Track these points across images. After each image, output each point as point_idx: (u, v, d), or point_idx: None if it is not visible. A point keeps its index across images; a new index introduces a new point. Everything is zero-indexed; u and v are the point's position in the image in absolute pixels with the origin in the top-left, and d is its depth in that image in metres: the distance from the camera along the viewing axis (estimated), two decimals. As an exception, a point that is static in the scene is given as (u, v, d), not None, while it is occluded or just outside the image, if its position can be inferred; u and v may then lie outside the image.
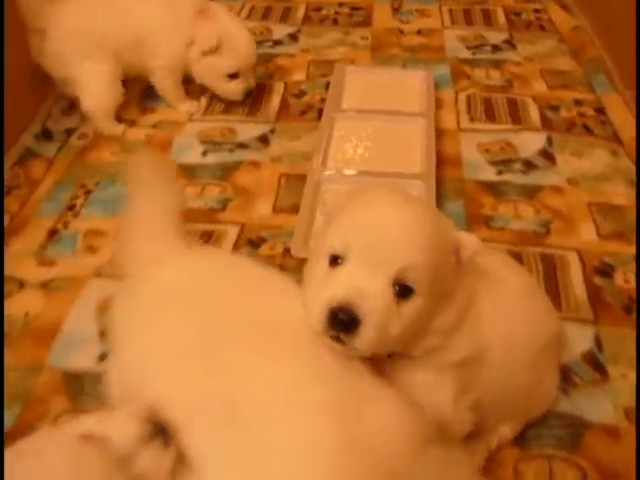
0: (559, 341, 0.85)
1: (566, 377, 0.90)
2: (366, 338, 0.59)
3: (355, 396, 0.59)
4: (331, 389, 0.59)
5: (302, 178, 1.22)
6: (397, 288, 0.61)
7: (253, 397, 0.58)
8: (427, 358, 0.67)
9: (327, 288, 0.61)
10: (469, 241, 0.65)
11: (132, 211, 0.79)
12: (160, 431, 0.57)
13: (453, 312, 0.66)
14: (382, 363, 0.67)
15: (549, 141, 1.36)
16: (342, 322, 0.59)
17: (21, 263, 1.10)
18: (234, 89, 1.41)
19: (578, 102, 1.48)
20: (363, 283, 0.60)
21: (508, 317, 0.73)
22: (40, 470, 0.52)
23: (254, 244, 1.13)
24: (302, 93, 1.54)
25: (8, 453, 0.53)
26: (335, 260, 0.62)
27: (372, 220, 0.62)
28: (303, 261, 1.05)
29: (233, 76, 1.38)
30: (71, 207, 1.22)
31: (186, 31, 1.34)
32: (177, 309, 0.67)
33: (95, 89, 1.35)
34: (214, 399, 0.59)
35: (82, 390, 0.90)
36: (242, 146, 1.37)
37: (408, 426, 0.59)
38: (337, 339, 0.60)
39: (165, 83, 1.44)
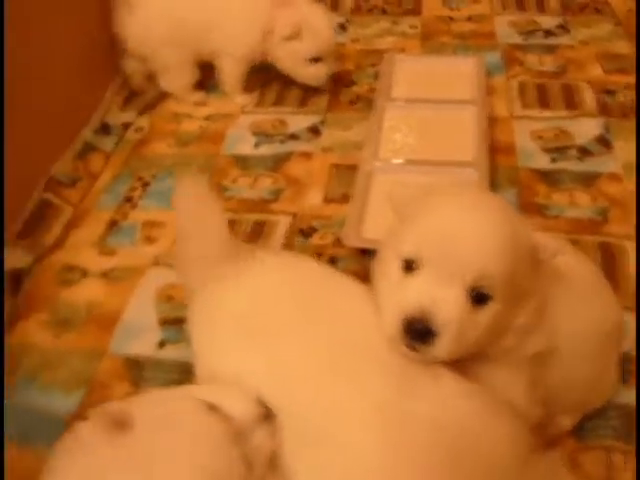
0: (620, 331, 0.83)
1: (624, 366, 0.89)
2: (442, 348, 0.59)
3: (452, 410, 0.60)
4: (426, 405, 0.60)
5: (353, 168, 1.23)
6: (473, 295, 0.60)
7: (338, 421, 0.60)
8: (501, 355, 0.67)
9: (401, 296, 0.61)
10: (547, 243, 0.63)
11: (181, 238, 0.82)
12: (270, 415, 0.61)
13: (530, 312, 0.65)
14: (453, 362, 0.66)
15: (606, 127, 1.33)
16: (418, 332, 0.59)
17: (83, 252, 1.14)
18: (316, 73, 1.41)
19: (634, 86, 1.44)
20: (439, 292, 0.59)
21: (575, 307, 0.72)
22: (169, 434, 0.55)
23: (305, 234, 1.15)
24: (351, 83, 1.54)
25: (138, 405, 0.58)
26: (409, 265, 0.62)
27: (447, 227, 0.61)
28: (354, 250, 1.08)
29: (314, 60, 1.39)
30: (129, 199, 1.26)
31: (264, 19, 1.35)
32: (249, 332, 0.69)
33: (171, 73, 1.46)
34: (298, 419, 0.61)
35: (142, 376, 0.93)
36: (293, 137, 1.39)
37: (515, 438, 0.60)
38: (412, 347, 0.60)
39: (232, 71, 1.46)
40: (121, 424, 0.54)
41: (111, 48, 1.50)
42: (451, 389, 0.61)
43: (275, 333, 0.67)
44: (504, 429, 0.61)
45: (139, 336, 0.99)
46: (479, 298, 0.60)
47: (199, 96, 1.52)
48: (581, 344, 0.73)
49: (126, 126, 1.45)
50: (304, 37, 1.35)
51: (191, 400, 0.59)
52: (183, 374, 0.93)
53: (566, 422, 0.81)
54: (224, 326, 0.71)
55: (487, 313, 0.61)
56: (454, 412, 0.60)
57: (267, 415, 0.60)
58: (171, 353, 0.96)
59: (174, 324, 1.00)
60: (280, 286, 0.73)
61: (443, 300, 0.59)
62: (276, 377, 0.64)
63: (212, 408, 0.58)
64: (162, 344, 0.98)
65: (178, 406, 0.59)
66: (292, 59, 1.40)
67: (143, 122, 1.46)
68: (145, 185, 1.29)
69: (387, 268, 0.65)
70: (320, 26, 1.36)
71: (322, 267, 0.80)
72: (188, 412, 0.58)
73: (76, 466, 0.54)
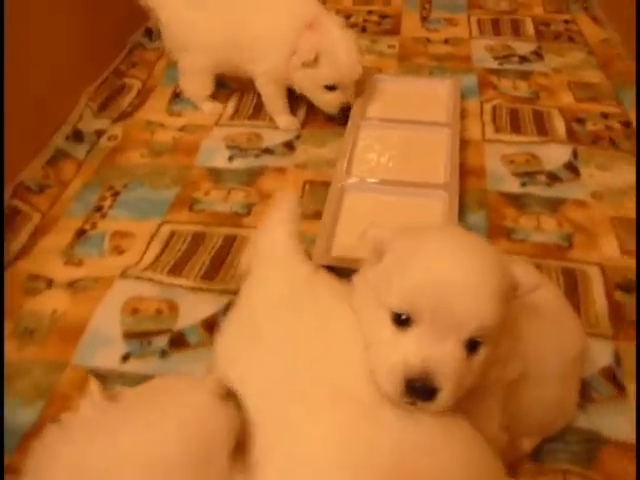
0: (584, 356, 0.85)
1: (584, 393, 0.90)
2: (443, 401, 0.59)
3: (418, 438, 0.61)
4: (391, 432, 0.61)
5: (326, 185, 1.24)
6: (467, 344, 0.60)
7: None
8: (484, 387, 0.67)
9: (399, 354, 0.60)
10: (526, 279, 0.63)
11: None
12: (231, 393, 0.66)
13: (508, 339, 0.65)
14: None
15: (574, 154, 1.35)
16: (419, 391, 0.58)
17: (49, 261, 1.13)
18: (330, 102, 1.38)
19: (605, 115, 1.47)
20: (437, 348, 0.59)
21: (542, 332, 0.74)
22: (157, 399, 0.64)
23: (277, 250, 1.15)
24: (328, 100, 1.55)
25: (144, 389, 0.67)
26: (400, 318, 0.60)
27: (441, 282, 0.59)
28: (324, 268, 1.08)
29: (331, 88, 1.36)
30: (99, 208, 1.24)
31: (293, 42, 1.32)
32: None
33: (190, 77, 1.49)
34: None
35: (105, 389, 0.92)
36: (268, 151, 1.39)
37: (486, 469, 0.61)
38: (412, 403, 0.60)
39: (266, 89, 1.44)
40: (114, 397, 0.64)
41: (87, 51, 1.50)
42: (420, 418, 0.62)
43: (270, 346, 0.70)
44: (473, 459, 0.62)
45: (104, 348, 0.98)
46: (473, 346, 0.60)
47: (213, 106, 1.52)
48: (547, 369, 0.75)
49: (99, 134, 1.44)
50: (323, 64, 1.32)
51: (197, 391, 0.66)
52: (146, 388, 0.92)
53: (526, 445, 0.83)
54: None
55: (480, 357, 0.61)
56: (420, 440, 0.61)
57: (228, 393, 0.66)
58: (135, 367, 0.95)
59: (139, 337, 0.99)
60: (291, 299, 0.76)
61: (442, 356, 0.58)
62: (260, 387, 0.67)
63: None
64: (126, 357, 0.97)
65: (161, 383, 0.68)
66: (309, 83, 1.37)
67: (117, 130, 1.45)
68: (115, 195, 1.28)
69: (375, 319, 0.63)
70: (342, 55, 1.32)
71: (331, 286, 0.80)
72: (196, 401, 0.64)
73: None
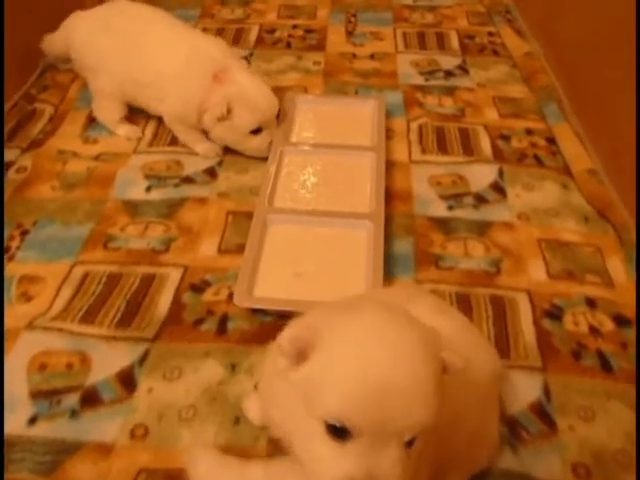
0: (499, 380, 0.84)
1: (513, 431, 0.89)
2: None
3: None
4: None
5: (249, 215, 1.19)
6: (407, 443, 0.55)
7: None
8: None
9: (339, 467, 0.54)
10: (454, 362, 0.59)
11: None
12: None
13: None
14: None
15: (500, 173, 1.35)
16: None
17: (-53, 314, 1.04)
18: (259, 145, 1.33)
19: (529, 131, 1.48)
20: (380, 459, 0.53)
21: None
22: None
23: (197, 289, 1.09)
24: (252, 122, 1.50)
25: None
26: (335, 428, 0.54)
27: (377, 392, 0.52)
28: (247, 310, 1.03)
29: (256, 131, 1.31)
30: (6, 250, 1.16)
31: (200, 95, 1.29)
32: None
33: (100, 101, 1.45)
34: None
35: (10, 458, 0.85)
36: (188, 180, 1.33)
37: None
38: None
39: (175, 127, 1.40)
40: None
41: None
42: None
43: None
44: None
45: (8, 412, 0.90)
46: (410, 442, 0.56)
47: (129, 129, 1.45)
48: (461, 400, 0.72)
49: (8, 166, 1.35)
50: (239, 111, 1.28)
51: None
52: (57, 454, 0.85)
53: None
54: None
55: (416, 450, 0.57)
56: None
57: None
58: (43, 430, 0.88)
59: (47, 397, 0.92)
60: None
61: (387, 464, 0.54)
62: None
63: None
64: (33, 420, 0.89)
65: None
66: (231, 135, 1.32)
67: (26, 161, 1.36)
68: (24, 233, 1.19)
69: (306, 430, 0.57)
70: (257, 98, 1.29)
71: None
72: None
73: None
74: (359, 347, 0.55)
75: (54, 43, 1.49)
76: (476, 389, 0.74)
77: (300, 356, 0.57)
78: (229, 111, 1.27)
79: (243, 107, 1.27)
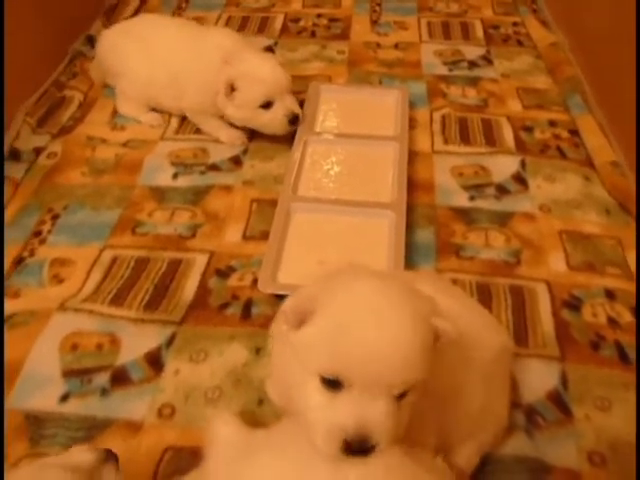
0: (508, 360, 0.86)
1: (530, 418, 0.91)
2: (379, 451, 0.60)
3: None
4: None
5: (274, 203, 1.21)
6: (398, 396, 0.61)
7: None
8: None
9: (332, 415, 0.60)
10: (446, 329, 0.63)
11: None
12: (112, 457, 0.68)
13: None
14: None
15: (522, 165, 1.36)
16: (358, 449, 0.59)
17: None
18: (273, 119, 1.33)
19: (553, 123, 1.48)
20: (370, 409, 0.59)
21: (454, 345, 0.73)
22: None
23: (223, 274, 1.12)
24: (276, 111, 1.52)
25: None
26: (330, 382, 0.61)
27: (366, 347, 0.59)
28: (270, 295, 1.06)
29: (266, 106, 1.32)
30: (38, 233, 1.20)
31: (212, 81, 1.33)
32: None
33: (125, 101, 1.50)
34: None
35: (43, 434, 0.88)
36: (214, 168, 1.35)
37: None
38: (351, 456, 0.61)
39: (197, 119, 1.45)
40: None
41: (25, 62, 1.44)
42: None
43: None
44: None
45: (41, 389, 0.94)
46: (402, 395, 0.61)
47: (152, 117, 1.49)
48: (465, 375, 0.75)
49: (38, 151, 1.39)
50: (244, 87, 1.30)
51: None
52: (88, 430, 0.89)
53: (462, 461, 0.81)
54: None
55: (408, 403, 0.62)
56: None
57: (107, 456, 0.68)
58: (75, 407, 0.92)
59: (78, 375, 0.96)
60: None
61: (376, 415, 0.59)
62: None
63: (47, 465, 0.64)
64: (65, 397, 0.93)
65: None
66: (244, 113, 1.34)
67: (56, 147, 1.40)
68: (55, 218, 1.23)
69: (303, 384, 0.63)
70: (262, 71, 1.30)
71: None
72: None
73: None
74: (350, 311, 0.61)
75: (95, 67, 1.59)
76: (480, 365, 0.77)
77: (301, 322, 0.63)
78: (234, 88, 1.31)
79: (248, 82, 1.30)
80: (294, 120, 1.35)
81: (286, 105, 1.33)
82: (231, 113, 1.35)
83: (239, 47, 1.35)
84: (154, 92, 1.45)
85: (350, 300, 0.62)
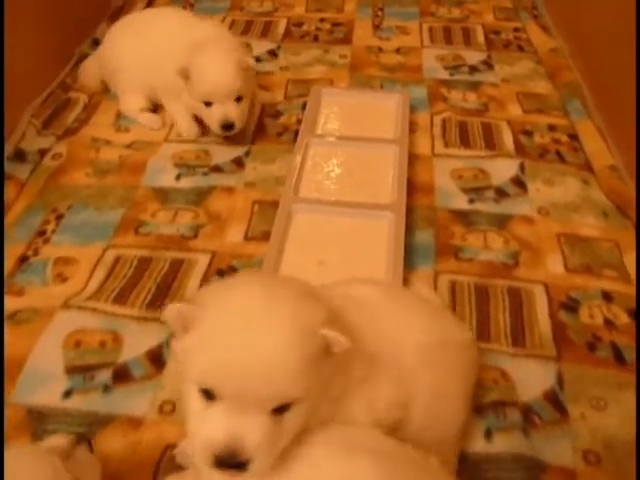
0: (464, 356, 0.82)
1: (526, 417, 0.92)
2: (257, 470, 0.59)
3: None
4: None
5: (275, 205, 1.23)
6: (275, 410, 0.59)
7: None
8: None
9: (205, 427, 0.60)
10: (337, 339, 0.61)
11: None
12: (83, 441, 0.72)
13: (341, 380, 0.66)
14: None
15: (521, 168, 1.37)
16: (230, 465, 0.58)
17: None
18: (210, 117, 1.36)
19: (552, 127, 1.49)
20: (242, 422, 0.58)
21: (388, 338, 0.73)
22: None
23: (224, 274, 1.13)
24: (279, 114, 1.54)
25: None
26: (205, 392, 0.60)
27: (231, 358, 0.57)
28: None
29: (208, 104, 1.35)
30: (42, 233, 1.21)
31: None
32: None
33: (124, 96, 1.53)
34: None
35: (45, 428, 0.90)
36: (216, 169, 1.37)
37: None
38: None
39: (164, 99, 1.49)
40: None
41: (31, 64, 1.46)
42: None
43: None
44: None
45: (44, 384, 0.95)
46: (281, 408, 0.60)
47: (150, 117, 1.51)
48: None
49: (43, 152, 1.40)
50: (194, 79, 1.33)
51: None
52: (90, 426, 0.90)
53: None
54: None
55: (292, 416, 0.61)
56: None
57: (79, 439, 0.71)
58: (77, 403, 0.93)
59: (81, 372, 0.97)
60: None
61: (247, 428, 0.58)
62: None
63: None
64: (68, 393, 0.94)
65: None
66: (191, 101, 1.38)
67: (61, 148, 1.42)
68: (59, 218, 1.24)
69: (186, 390, 0.62)
70: (207, 72, 1.31)
71: None
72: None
73: None
74: (222, 320, 0.60)
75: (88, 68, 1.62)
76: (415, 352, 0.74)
77: (184, 328, 0.62)
78: (187, 76, 1.33)
79: (195, 76, 1.33)
80: (227, 127, 1.35)
81: (223, 110, 1.34)
82: (185, 98, 1.39)
83: (213, 37, 1.38)
84: (151, 81, 1.46)
85: (226, 308, 0.61)
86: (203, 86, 1.33)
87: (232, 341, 0.58)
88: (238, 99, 1.35)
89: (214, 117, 1.35)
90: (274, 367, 0.58)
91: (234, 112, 1.35)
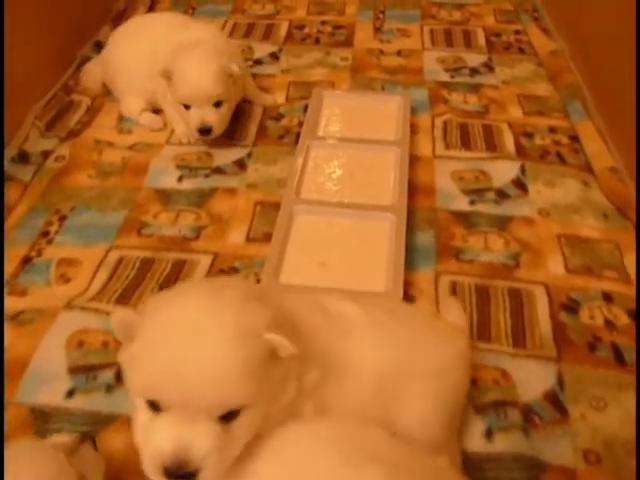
0: (448, 376, 0.80)
1: (527, 417, 0.92)
2: (207, 478, 0.59)
3: None
4: None
5: (277, 206, 1.23)
6: (222, 417, 0.59)
7: None
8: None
9: (152, 438, 0.59)
10: (281, 343, 0.61)
11: None
12: (88, 439, 0.76)
13: (294, 386, 0.65)
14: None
15: (522, 170, 1.37)
16: (177, 475, 0.58)
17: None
18: (188, 119, 1.36)
19: (553, 129, 1.50)
20: (188, 431, 0.58)
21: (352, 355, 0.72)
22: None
23: (226, 275, 1.14)
24: (280, 116, 1.55)
25: None
26: (151, 403, 0.59)
27: (169, 366, 0.57)
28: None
29: (187, 107, 1.35)
30: (45, 234, 1.22)
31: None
32: None
33: (124, 98, 1.54)
34: None
35: (48, 427, 0.90)
36: (218, 171, 1.38)
37: None
38: None
39: (163, 103, 1.49)
40: None
41: (34, 67, 1.47)
42: None
43: None
44: None
45: (48, 384, 0.96)
46: (229, 415, 0.59)
47: (151, 117, 1.52)
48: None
49: (46, 154, 1.41)
50: (175, 82, 1.34)
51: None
52: (92, 425, 0.91)
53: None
54: None
55: (242, 423, 0.60)
56: None
57: (84, 438, 0.75)
58: (80, 403, 0.94)
59: (84, 372, 0.98)
60: None
61: (195, 438, 0.58)
62: None
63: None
64: (71, 393, 0.95)
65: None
66: (173, 102, 1.39)
67: (64, 150, 1.43)
68: (62, 219, 1.25)
69: (134, 402, 0.62)
70: (186, 75, 1.32)
71: None
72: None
73: None
74: (165, 330, 0.59)
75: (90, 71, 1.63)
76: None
77: (129, 338, 0.61)
78: (169, 77, 1.34)
79: (176, 78, 1.34)
80: (204, 131, 1.36)
81: (201, 114, 1.34)
82: (169, 99, 1.40)
83: (203, 39, 1.38)
84: (150, 85, 1.46)
85: (166, 316, 0.60)
86: (182, 89, 1.33)
87: (172, 349, 0.57)
88: (217, 104, 1.35)
89: (192, 121, 1.35)
90: (216, 373, 0.57)
91: (212, 117, 1.34)
